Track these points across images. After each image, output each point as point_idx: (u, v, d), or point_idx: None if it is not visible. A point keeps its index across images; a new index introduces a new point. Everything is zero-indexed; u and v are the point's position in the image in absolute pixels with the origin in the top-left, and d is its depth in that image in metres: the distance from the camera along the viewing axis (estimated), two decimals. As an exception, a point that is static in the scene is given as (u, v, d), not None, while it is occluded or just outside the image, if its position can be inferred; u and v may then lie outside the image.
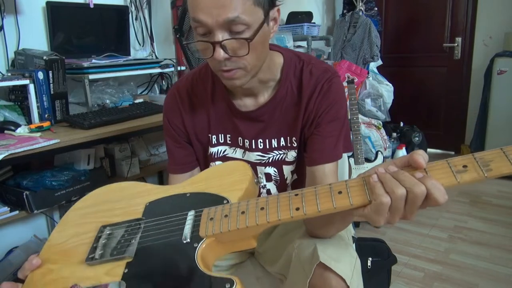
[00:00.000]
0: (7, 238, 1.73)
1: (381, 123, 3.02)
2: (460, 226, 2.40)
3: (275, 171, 0.96)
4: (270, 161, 0.95)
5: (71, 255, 0.71)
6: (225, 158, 0.96)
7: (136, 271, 0.62)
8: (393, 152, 3.13)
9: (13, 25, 1.72)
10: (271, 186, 0.98)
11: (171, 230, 0.67)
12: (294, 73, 0.92)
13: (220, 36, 0.75)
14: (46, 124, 1.48)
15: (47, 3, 1.75)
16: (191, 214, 0.69)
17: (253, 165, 0.95)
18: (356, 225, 2.41)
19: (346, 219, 0.76)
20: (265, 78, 0.90)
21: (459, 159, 0.58)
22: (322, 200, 0.61)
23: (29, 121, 1.56)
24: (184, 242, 0.64)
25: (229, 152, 0.97)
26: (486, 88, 3.13)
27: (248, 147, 0.94)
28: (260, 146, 0.94)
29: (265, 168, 0.96)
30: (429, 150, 3.54)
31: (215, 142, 0.96)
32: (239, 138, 0.95)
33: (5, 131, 1.46)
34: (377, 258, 1.71)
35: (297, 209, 0.62)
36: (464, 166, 0.56)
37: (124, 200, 0.78)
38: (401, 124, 3.42)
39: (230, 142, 0.96)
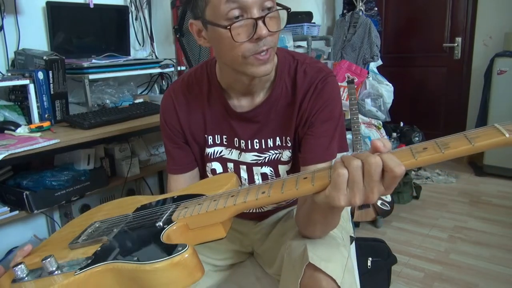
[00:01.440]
0: (7, 238, 1.73)
1: (381, 123, 3.02)
2: (460, 226, 2.40)
3: (271, 171, 0.96)
4: (266, 161, 0.95)
5: (60, 243, 0.75)
6: (221, 159, 0.97)
7: (107, 248, 0.67)
8: (393, 152, 3.13)
9: (13, 25, 1.72)
10: None
11: (151, 219, 0.72)
12: (289, 72, 0.91)
13: (259, 13, 0.74)
14: (46, 124, 1.48)
15: (47, 3, 1.75)
16: (171, 207, 0.74)
17: (249, 166, 0.96)
18: (356, 225, 2.41)
19: (327, 218, 0.76)
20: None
21: (422, 143, 0.59)
22: (287, 185, 0.63)
23: (29, 121, 1.56)
24: (157, 225, 0.68)
25: (225, 153, 0.97)
26: (486, 88, 3.13)
27: (244, 147, 0.94)
28: (256, 146, 0.94)
29: (261, 168, 0.96)
30: (429, 150, 3.54)
31: (211, 143, 0.96)
32: (235, 139, 0.95)
33: (5, 131, 1.45)
34: (377, 258, 1.71)
35: (263, 192, 0.64)
36: (424, 148, 0.58)
37: (119, 208, 0.83)
38: (401, 124, 3.42)
39: (226, 143, 0.96)
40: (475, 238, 2.24)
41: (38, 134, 1.43)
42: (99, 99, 1.87)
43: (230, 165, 0.97)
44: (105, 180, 1.79)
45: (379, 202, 2.39)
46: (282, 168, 0.95)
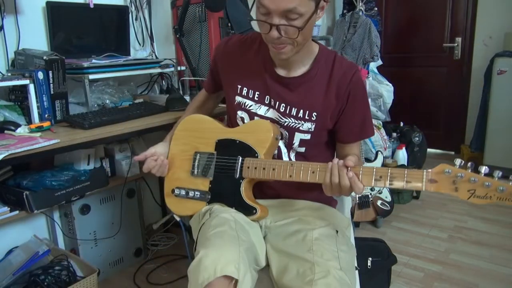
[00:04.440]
0: (7, 238, 1.73)
1: (381, 123, 3.02)
2: (460, 226, 2.40)
3: (286, 134, 1.13)
4: (285, 125, 1.12)
5: (182, 166, 1.24)
6: (249, 112, 1.16)
7: (214, 186, 1.17)
8: (393, 152, 3.14)
9: (13, 25, 1.72)
10: (280, 144, 1.15)
11: (230, 167, 1.14)
12: (326, 60, 1.10)
13: (278, 20, 0.93)
14: (46, 124, 1.48)
15: (47, 3, 1.75)
16: (239, 160, 1.12)
17: (272, 121, 1.13)
18: (356, 225, 2.41)
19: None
20: (301, 57, 1.08)
21: (383, 170, 0.93)
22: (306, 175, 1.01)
23: (29, 121, 1.55)
24: (236, 177, 1.13)
25: (254, 108, 1.15)
26: (486, 88, 3.13)
27: (273, 105, 1.12)
28: (282, 109, 1.11)
29: (279, 128, 1.13)
30: (429, 150, 3.54)
31: (245, 94, 1.16)
32: (267, 96, 1.13)
33: (5, 131, 1.45)
34: (377, 258, 1.71)
35: (290, 176, 1.02)
36: (380, 177, 0.93)
37: (203, 132, 1.22)
38: (401, 124, 3.42)
39: (257, 99, 1.14)
40: (475, 238, 2.24)
41: (38, 134, 1.43)
42: (99, 99, 1.87)
43: (257, 119, 1.15)
44: (105, 180, 1.79)
45: (379, 202, 2.39)
46: (297, 136, 1.12)
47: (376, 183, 0.93)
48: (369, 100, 3.02)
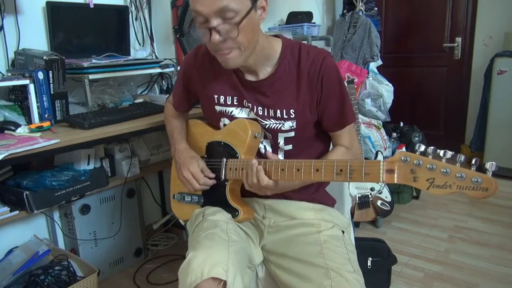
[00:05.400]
0: (7, 238, 1.73)
1: (381, 123, 3.02)
2: (460, 226, 2.40)
3: (270, 136, 1.11)
4: (267, 127, 1.10)
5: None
6: (232, 118, 1.14)
7: (206, 190, 1.17)
8: (393, 152, 3.13)
9: (13, 25, 1.72)
10: (266, 143, 1.14)
11: (218, 170, 1.14)
12: (292, 53, 1.06)
13: (215, 22, 0.93)
14: (46, 124, 1.48)
15: (47, 3, 1.75)
16: (223, 161, 1.12)
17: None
18: (356, 225, 2.41)
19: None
20: (260, 60, 1.06)
21: (343, 162, 0.87)
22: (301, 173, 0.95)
23: (29, 121, 1.55)
24: (222, 179, 1.13)
25: (236, 112, 1.14)
26: (486, 88, 3.13)
27: (251, 108, 1.11)
28: (260, 112, 1.10)
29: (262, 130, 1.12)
30: (429, 150, 3.53)
31: (223, 102, 1.14)
32: (244, 100, 1.11)
33: (5, 131, 1.45)
34: (377, 258, 1.71)
35: (282, 170, 0.97)
36: (341, 170, 0.87)
37: (196, 137, 1.25)
38: (401, 124, 3.42)
39: (236, 103, 1.13)
40: (475, 238, 2.24)
41: (38, 134, 1.43)
42: (99, 99, 1.87)
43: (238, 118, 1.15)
44: (105, 180, 1.79)
45: (379, 202, 2.39)
46: (281, 136, 1.10)
47: (338, 178, 0.87)
48: (369, 100, 3.04)
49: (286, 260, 1.05)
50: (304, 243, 1.05)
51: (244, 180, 1.01)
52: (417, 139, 3.26)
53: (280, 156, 1.13)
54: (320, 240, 1.04)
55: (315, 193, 1.17)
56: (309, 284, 0.94)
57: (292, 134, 1.09)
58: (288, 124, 1.08)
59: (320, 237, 1.04)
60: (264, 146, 1.13)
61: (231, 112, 1.14)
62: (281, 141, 1.11)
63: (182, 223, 1.31)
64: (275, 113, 1.08)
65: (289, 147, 1.11)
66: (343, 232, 1.10)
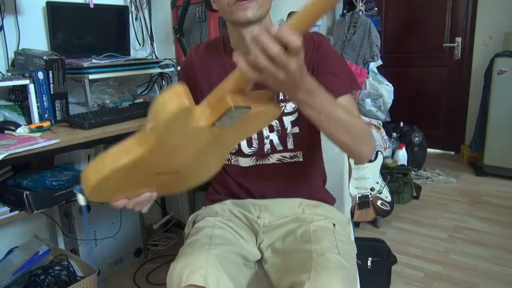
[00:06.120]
0: (7, 238, 1.73)
1: (381, 123, 3.02)
2: (460, 226, 2.40)
3: (276, 122, 1.08)
4: None
5: None
6: None
7: None
8: (393, 152, 3.14)
9: (13, 25, 1.72)
10: (273, 136, 1.09)
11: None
12: None
13: None
14: (46, 124, 1.48)
15: (47, 3, 1.75)
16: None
17: None
18: (356, 225, 2.41)
19: (326, 118, 0.83)
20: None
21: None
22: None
23: (29, 121, 1.55)
24: None
25: None
26: (486, 88, 3.13)
27: None
28: None
29: None
30: (429, 150, 3.54)
31: None
32: None
33: (5, 131, 1.45)
34: (377, 258, 1.71)
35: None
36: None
37: None
38: (401, 124, 3.42)
39: None
40: (475, 238, 2.24)
41: (38, 134, 1.43)
42: (99, 99, 1.87)
43: None
44: (105, 180, 1.79)
45: (379, 202, 2.39)
46: (286, 119, 1.07)
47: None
48: (369, 100, 3.04)
49: (278, 256, 1.05)
50: (294, 236, 1.05)
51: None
52: (417, 139, 3.27)
53: (290, 143, 1.10)
54: (310, 230, 1.04)
55: (315, 191, 1.17)
56: (294, 269, 0.93)
57: (296, 115, 1.08)
58: (290, 106, 1.07)
59: (310, 227, 1.04)
60: (270, 140, 1.10)
61: None
62: (288, 126, 1.09)
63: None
64: (277, 95, 1.06)
65: (296, 129, 1.09)
66: (334, 224, 1.09)
